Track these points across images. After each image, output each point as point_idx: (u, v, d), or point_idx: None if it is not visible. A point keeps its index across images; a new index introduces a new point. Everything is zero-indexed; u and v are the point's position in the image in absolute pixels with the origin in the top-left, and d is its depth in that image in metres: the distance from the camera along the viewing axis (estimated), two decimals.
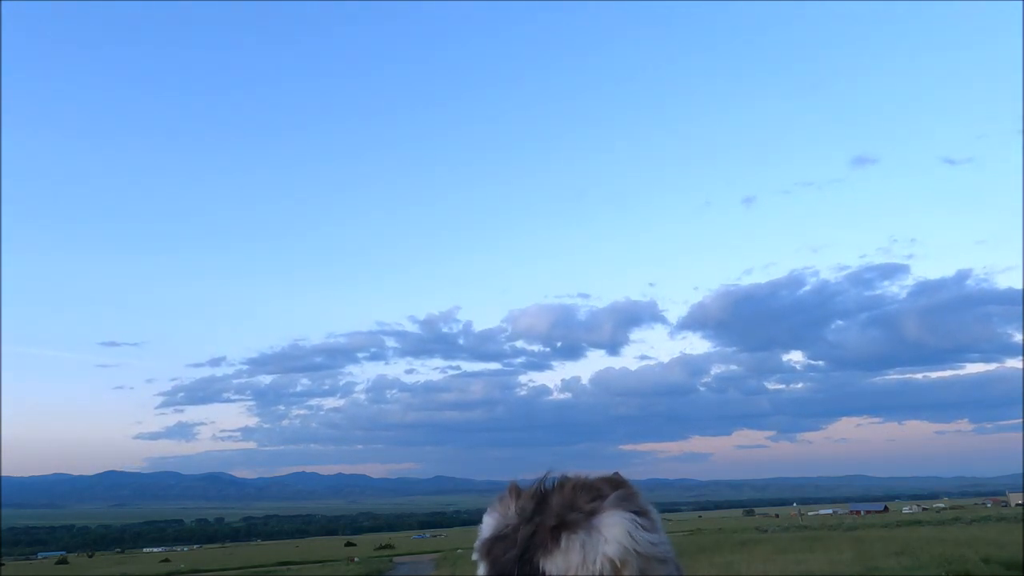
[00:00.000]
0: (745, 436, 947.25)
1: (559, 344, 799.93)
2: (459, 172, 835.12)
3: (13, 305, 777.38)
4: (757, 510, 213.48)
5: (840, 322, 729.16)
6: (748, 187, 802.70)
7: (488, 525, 1.99)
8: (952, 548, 21.82)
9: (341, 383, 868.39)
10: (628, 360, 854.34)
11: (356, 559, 69.82)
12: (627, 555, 1.98)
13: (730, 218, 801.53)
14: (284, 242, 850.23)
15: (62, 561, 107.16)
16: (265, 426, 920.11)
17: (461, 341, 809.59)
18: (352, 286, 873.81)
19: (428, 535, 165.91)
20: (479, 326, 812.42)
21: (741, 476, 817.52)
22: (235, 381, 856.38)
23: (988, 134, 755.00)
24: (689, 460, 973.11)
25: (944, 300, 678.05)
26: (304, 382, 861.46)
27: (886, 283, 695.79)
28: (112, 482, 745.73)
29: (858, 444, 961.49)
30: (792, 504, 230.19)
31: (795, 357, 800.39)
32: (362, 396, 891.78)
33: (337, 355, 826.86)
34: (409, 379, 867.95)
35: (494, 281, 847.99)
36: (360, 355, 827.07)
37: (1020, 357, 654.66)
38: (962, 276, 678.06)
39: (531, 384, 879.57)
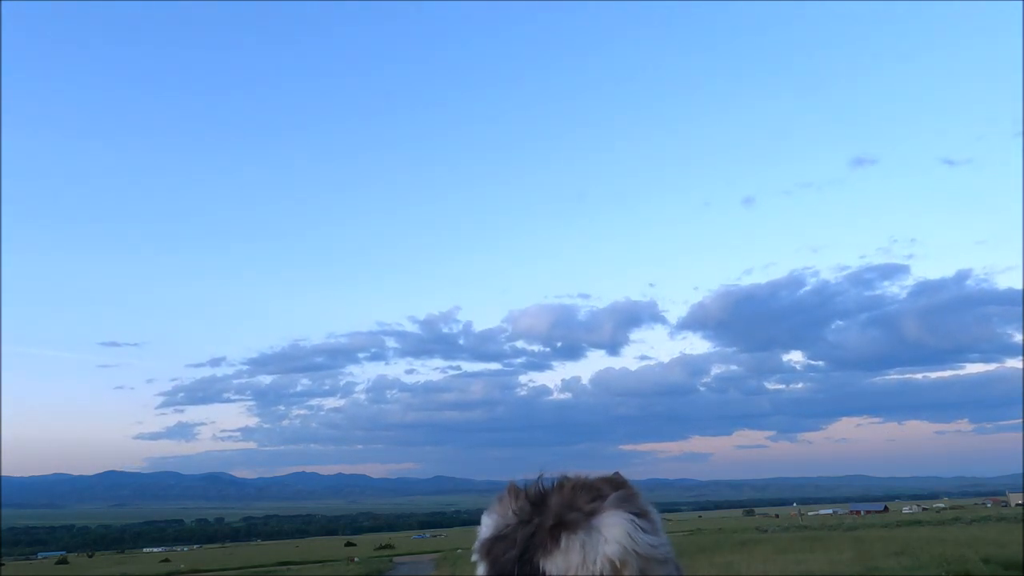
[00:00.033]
0: (745, 436, 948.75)
1: (559, 344, 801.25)
2: (459, 172, 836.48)
3: (13, 305, 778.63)
4: (757, 510, 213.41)
5: (840, 322, 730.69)
6: (748, 187, 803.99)
7: (487, 525, 1.99)
8: (952, 548, 21.82)
9: (341, 383, 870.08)
10: (628, 360, 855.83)
11: (356, 559, 69.77)
12: (627, 555, 1.98)
13: (730, 218, 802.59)
14: (284, 242, 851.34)
15: (62, 561, 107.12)
16: (265, 426, 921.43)
17: (461, 341, 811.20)
18: (352, 286, 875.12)
19: (428, 535, 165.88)
20: (479, 326, 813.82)
21: (741, 476, 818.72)
22: (235, 381, 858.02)
23: (988, 135, 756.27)
24: (689, 460, 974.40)
25: (944, 300, 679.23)
26: (304, 382, 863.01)
27: (886, 283, 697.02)
28: (112, 482, 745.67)
29: (858, 444, 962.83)
30: (792, 504, 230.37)
31: (795, 357, 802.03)
32: (362, 396, 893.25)
33: (337, 355, 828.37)
34: (409, 379, 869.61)
35: (494, 281, 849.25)
36: (360, 355, 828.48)
37: (1020, 357, 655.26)
38: (962, 276, 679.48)
39: (531, 384, 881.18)
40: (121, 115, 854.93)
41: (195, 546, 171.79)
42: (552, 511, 1.98)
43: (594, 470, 1.98)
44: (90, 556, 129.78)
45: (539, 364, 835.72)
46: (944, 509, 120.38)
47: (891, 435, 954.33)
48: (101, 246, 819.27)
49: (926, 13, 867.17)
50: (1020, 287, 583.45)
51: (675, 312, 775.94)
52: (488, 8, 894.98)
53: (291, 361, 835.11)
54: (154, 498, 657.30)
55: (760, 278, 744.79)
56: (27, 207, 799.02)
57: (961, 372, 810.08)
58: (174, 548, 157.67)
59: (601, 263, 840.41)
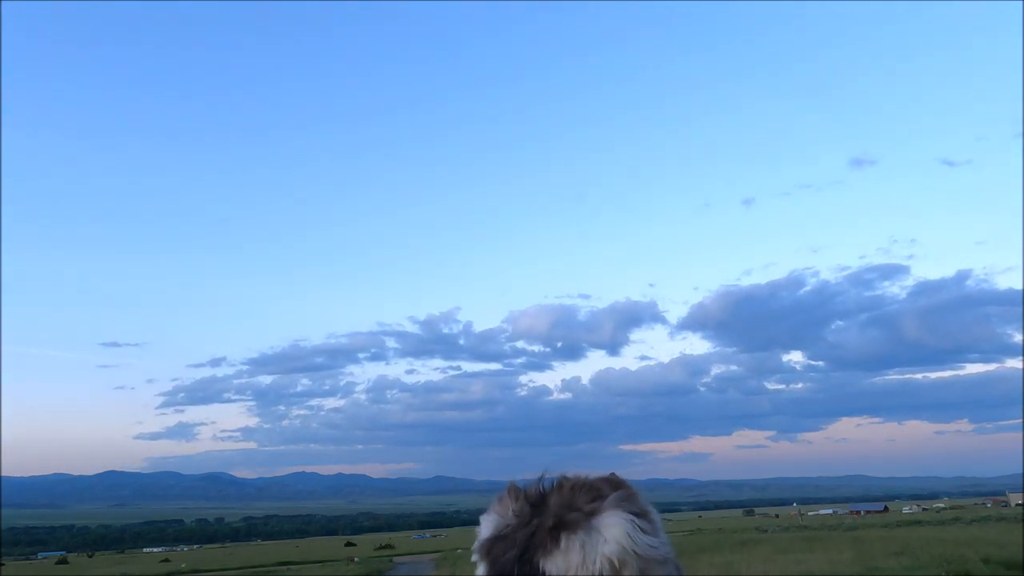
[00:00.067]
0: (745, 436, 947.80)
1: (559, 344, 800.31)
2: (459, 172, 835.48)
3: (13, 305, 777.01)
4: (757, 510, 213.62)
5: (840, 322, 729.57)
6: (748, 189, 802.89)
7: (487, 525, 1.99)
8: (952, 548, 21.83)
9: (341, 383, 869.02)
10: (628, 360, 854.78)
11: (356, 559, 69.84)
12: (626, 555, 1.98)
13: (730, 219, 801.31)
14: (284, 242, 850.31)
15: (62, 561, 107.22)
16: (265, 426, 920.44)
17: (461, 341, 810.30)
18: (352, 286, 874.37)
19: (428, 535, 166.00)
20: (479, 326, 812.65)
21: (741, 476, 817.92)
22: (235, 381, 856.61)
23: (987, 135, 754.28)
24: (689, 460, 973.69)
25: (944, 300, 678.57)
26: (304, 382, 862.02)
27: (886, 283, 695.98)
28: (112, 482, 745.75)
29: (858, 444, 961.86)
30: (792, 504, 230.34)
31: (795, 357, 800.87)
32: (362, 396, 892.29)
33: (338, 355, 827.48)
34: (409, 379, 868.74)
35: (494, 281, 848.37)
36: (361, 355, 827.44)
37: (1020, 357, 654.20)
38: (962, 276, 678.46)
39: (531, 384, 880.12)
40: (121, 115, 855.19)
41: (195, 546, 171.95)
42: (552, 511, 1.98)
43: (594, 470, 1.99)
44: (90, 556, 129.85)
45: (539, 364, 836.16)
46: (944, 509, 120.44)
47: (891, 435, 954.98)
48: (101, 246, 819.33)
49: (926, 13, 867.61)
50: (1020, 287, 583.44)
51: (675, 312, 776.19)
52: (488, 8, 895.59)
53: (291, 361, 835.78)
54: (154, 498, 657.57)
55: (760, 278, 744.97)
56: (27, 207, 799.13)
57: (961, 372, 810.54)
58: (174, 548, 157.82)
59: (601, 263, 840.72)
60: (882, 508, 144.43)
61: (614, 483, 1.98)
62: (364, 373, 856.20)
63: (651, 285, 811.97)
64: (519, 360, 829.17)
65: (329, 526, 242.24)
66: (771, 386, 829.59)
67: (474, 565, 1.99)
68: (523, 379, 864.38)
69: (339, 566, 60.06)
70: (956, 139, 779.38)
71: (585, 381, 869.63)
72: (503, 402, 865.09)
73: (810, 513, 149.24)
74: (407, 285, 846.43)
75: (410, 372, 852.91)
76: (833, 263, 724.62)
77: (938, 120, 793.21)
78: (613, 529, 1.98)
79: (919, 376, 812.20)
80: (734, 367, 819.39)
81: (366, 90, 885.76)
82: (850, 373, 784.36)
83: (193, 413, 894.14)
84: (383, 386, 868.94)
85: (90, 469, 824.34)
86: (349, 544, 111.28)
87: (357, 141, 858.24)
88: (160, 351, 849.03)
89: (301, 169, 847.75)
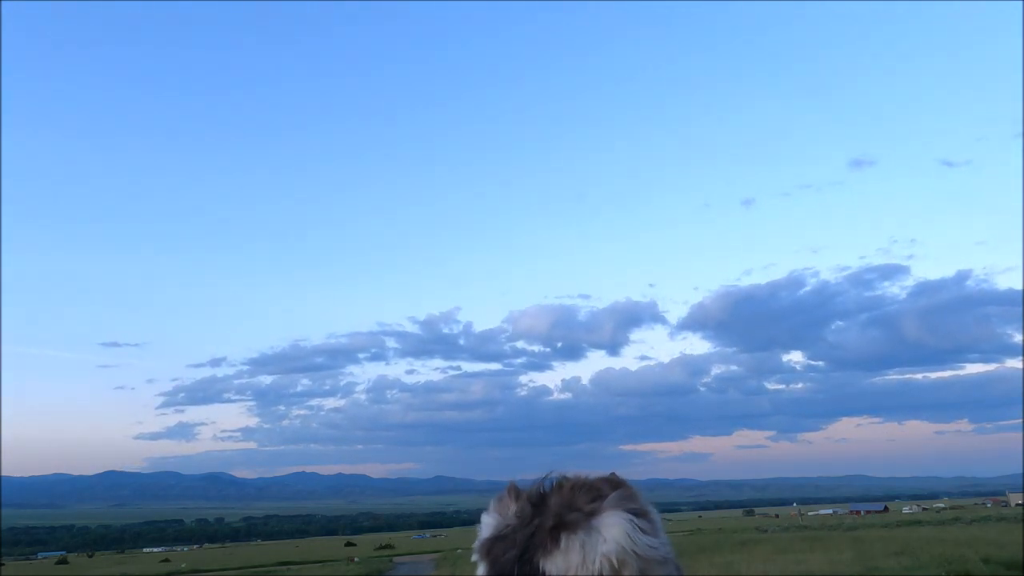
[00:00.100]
0: (745, 436, 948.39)
1: (559, 344, 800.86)
2: (459, 172, 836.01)
3: (13, 305, 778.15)
4: (757, 510, 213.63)
5: (840, 322, 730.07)
6: (747, 189, 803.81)
7: (487, 525, 1.99)
8: (952, 548, 21.83)
9: (342, 383, 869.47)
10: (628, 360, 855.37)
11: (356, 559, 69.89)
12: (626, 555, 1.98)
13: (730, 219, 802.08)
14: (284, 242, 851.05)
15: (62, 561, 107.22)
16: (265, 426, 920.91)
17: (461, 341, 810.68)
18: (352, 286, 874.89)
19: (428, 535, 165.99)
20: (479, 326, 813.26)
21: (741, 476, 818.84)
22: (236, 381, 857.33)
23: (987, 136, 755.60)
24: (689, 460, 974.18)
25: (944, 301, 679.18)
26: (305, 382, 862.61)
27: (886, 284, 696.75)
28: (112, 482, 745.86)
29: (858, 444, 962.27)
30: (792, 504, 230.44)
31: (795, 357, 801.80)
32: (362, 396, 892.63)
33: (338, 355, 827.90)
34: (409, 379, 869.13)
35: (494, 281, 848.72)
36: (361, 355, 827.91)
37: (1020, 357, 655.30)
38: (962, 277, 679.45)
39: (531, 384, 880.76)
40: (121, 115, 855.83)
41: (195, 546, 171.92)
42: (552, 511, 1.98)
43: (594, 470, 1.98)
44: (90, 556, 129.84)
45: (539, 364, 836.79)
46: (944, 509, 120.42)
47: (891, 435, 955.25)
48: (101, 246, 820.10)
49: (926, 13, 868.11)
50: (1020, 287, 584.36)
51: (675, 312, 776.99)
52: (488, 8, 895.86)
53: (291, 361, 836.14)
54: (154, 498, 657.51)
55: (760, 279, 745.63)
56: (27, 207, 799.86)
57: (961, 372, 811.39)
58: (174, 548, 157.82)
59: (601, 263, 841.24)
60: (882, 508, 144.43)
61: (614, 483, 1.99)
62: (364, 373, 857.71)
63: (651, 285, 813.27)
64: (519, 360, 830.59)
65: (329, 526, 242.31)
66: (771, 386, 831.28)
67: (474, 565, 1.99)
68: (523, 379, 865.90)
69: (339, 566, 60.08)
70: (956, 139, 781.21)
71: (585, 381, 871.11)
72: (503, 402, 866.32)
73: (810, 513, 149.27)
74: (407, 285, 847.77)
75: (410, 372, 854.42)
76: (833, 263, 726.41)
77: (938, 120, 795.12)
78: (613, 529, 1.98)
79: (919, 376, 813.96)
80: (734, 367, 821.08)
81: (366, 90, 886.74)
82: (850, 373, 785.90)
83: (193, 413, 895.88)
84: (383, 386, 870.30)
85: (90, 469, 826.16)
86: (349, 544, 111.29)
87: (357, 141, 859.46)
88: (160, 351, 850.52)
89: (301, 169, 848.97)
